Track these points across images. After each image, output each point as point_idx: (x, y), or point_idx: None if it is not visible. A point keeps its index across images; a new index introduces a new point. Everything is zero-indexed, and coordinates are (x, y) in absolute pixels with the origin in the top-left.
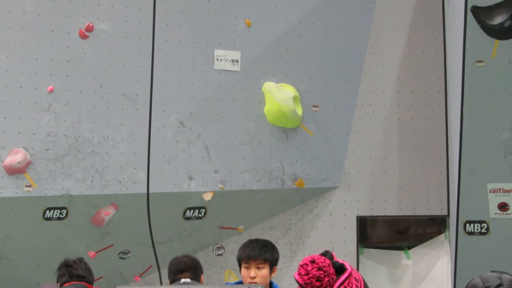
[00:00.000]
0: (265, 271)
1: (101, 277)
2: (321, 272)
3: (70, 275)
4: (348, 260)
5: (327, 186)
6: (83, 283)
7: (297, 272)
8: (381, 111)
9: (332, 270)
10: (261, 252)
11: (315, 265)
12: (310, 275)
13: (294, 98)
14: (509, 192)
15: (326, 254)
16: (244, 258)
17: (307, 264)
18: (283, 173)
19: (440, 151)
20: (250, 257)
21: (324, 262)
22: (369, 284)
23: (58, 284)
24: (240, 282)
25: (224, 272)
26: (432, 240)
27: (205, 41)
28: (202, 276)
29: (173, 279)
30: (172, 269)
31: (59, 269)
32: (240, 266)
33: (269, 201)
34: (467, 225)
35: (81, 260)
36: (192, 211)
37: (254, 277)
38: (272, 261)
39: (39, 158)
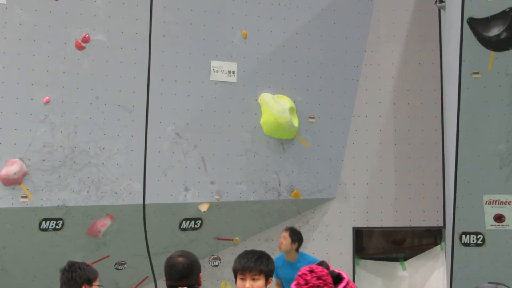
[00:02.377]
0: (260, 282)
1: None
2: (321, 281)
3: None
4: (344, 271)
5: (323, 198)
6: None
7: (295, 283)
8: (378, 123)
9: (330, 279)
10: (257, 264)
11: (314, 275)
12: (310, 284)
13: (291, 109)
14: (505, 204)
15: (322, 264)
16: (240, 269)
17: (305, 274)
18: (279, 184)
19: (436, 162)
20: (246, 268)
21: (323, 271)
22: None
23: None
24: None
25: (220, 283)
26: (428, 251)
27: (202, 52)
28: (200, 275)
29: (169, 285)
30: (168, 274)
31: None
32: (235, 277)
33: (265, 212)
34: (463, 236)
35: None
36: (188, 222)
37: None
38: (267, 273)
39: (35, 169)
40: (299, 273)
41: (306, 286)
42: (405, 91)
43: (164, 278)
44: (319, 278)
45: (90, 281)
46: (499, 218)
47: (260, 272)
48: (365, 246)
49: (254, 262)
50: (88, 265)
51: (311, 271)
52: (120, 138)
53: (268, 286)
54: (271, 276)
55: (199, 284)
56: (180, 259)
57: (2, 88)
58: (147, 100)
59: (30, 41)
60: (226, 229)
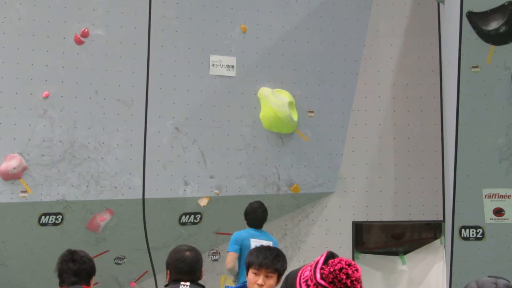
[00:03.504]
0: (273, 280)
1: (96, 283)
2: (359, 273)
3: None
4: None
5: (323, 192)
6: (85, 286)
7: (328, 276)
8: (377, 117)
9: None
10: (274, 262)
11: (353, 268)
12: (353, 277)
13: (290, 103)
14: (504, 197)
15: (333, 255)
16: (256, 264)
17: (346, 268)
18: (279, 179)
19: (436, 156)
20: (263, 264)
21: (355, 263)
22: None
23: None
24: (243, 286)
25: (219, 278)
26: (427, 245)
27: (201, 47)
28: (202, 270)
29: (174, 278)
30: (176, 268)
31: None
32: (247, 269)
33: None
34: (463, 230)
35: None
36: (187, 216)
37: (262, 285)
38: (281, 272)
39: (35, 164)
40: (335, 267)
41: (348, 280)
42: (404, 85)
43: (164, 272)
44: (357, 270)
45: (95, 273)
46: (498, 211)
47: (275, 270)
48: (364, 240)
49: (272, 260)
50: (89, 255)
51: (350, 265)
52: (120, 132)
53: (278, 284)
54: (282, 276)
55: (200, 278)
56: (188, 253)
57: (1, 83)
58: (146, 94)
59: (29, 36)
60: (225, 224)
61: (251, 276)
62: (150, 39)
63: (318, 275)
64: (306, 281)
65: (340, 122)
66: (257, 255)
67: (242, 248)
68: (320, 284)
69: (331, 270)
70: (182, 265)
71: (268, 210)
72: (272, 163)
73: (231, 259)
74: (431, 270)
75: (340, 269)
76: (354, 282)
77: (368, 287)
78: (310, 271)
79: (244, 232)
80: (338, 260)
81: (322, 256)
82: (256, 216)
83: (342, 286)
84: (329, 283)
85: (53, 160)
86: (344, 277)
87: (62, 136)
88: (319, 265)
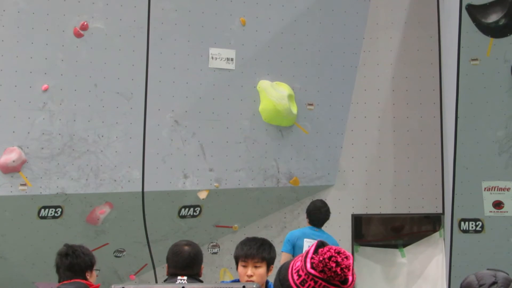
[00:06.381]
0: (262, 270)
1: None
2: (350, 261)
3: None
4: None
5: (322, 185)
6: (83, 281)
7: (318, 264)
8: (376, 110)
9: None
10: (259, 251)
11: (342, 255)
12: (342, 265)
13: (289, 96)
14: (503, 190)
15: (324, 244)
16: (242, 256)
17: (335, 256)
18: (278, 172)
19: (435, 149)
20: (248, 255)
21: (346, 251)
22: (364, 282)
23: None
24: (236, 280)
25: (219, 271)
26: (427, 238)
27: (200, 40)
28: (202, 267)
29: (171, 272)
30: (173, 261)
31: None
32: (237, 263)
33: (264, 199)
34: (462, 223)
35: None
36: (187, 209)
37: (251, 276)
38: (269, 260)
39: (34, 157)
40: (324, 256)
41: (338, 268)
42: (404, 77)
43: (163, 265)
44: (347, 257)
45: (92, 267)
46: (498, 204)
47: (262, 259)
48: (364, 233)
49: (257, 250)
50: (88, 249)
51: (339, 252)
52: (119, 125)
53: (270, 273)
54: (273, 264)
55: (199, 275)
56: (186, 248)
57: (0, 76)
58: (145, 87)
59: (28, 29)
60: (225, 216)
61: (240, 269)
62: (149, 32)
63: (308, 265)
64: (298, 271)
65: (339, 115)
66: (242, 247)
67: (294, 248)
68: (311, 273)
69: (321, 259)
70: (178, 259)
71: (267, 203)
72: (272, 156)
73: (283, 259)
74: (430, 263)
75: (330, 257)
76: (345, 269)
77: (368, 280)
78: (301, 261)
79: (298, 231)
80: (327, 249)
81: (312, 245)
82: (320, 214)
83: (333, 274)
84: (320, 272)
85: (52, 153)
86: (334, 265)
87: (61, 129)
88: (310, 255)
